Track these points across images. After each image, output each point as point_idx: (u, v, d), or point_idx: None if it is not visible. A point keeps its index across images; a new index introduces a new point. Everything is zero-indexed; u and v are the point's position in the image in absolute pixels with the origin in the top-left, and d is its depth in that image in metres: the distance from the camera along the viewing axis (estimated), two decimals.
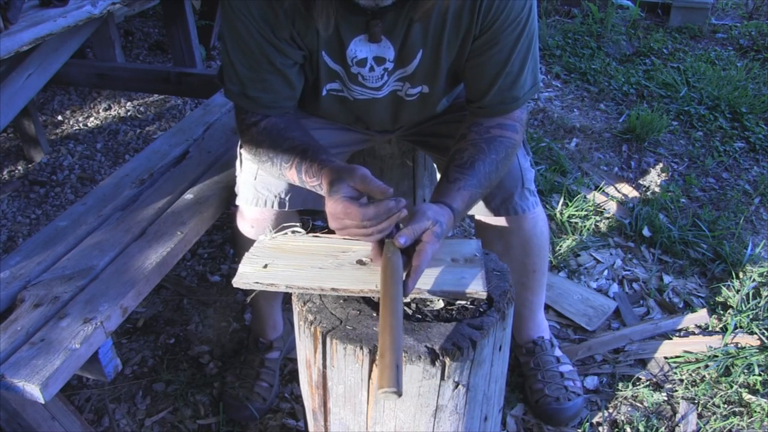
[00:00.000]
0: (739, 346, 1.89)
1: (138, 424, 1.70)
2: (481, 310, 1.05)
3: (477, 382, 1.04)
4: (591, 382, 1.80)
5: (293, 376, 1.82)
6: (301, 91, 1.36)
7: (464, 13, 1.22)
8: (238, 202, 1.50)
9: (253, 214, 1.48)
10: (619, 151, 2.93)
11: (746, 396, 1.74)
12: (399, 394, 0.81)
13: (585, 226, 2.39)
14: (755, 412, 1.70)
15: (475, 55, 1.29)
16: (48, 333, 1.20)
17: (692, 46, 4.03)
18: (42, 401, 1.11)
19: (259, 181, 1.44)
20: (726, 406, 1.73)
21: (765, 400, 1.72)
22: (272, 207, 1.44)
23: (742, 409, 1.72)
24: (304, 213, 1.56)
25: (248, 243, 1.47)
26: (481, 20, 1.22)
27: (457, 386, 1.01)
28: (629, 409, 1.72)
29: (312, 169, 1.19)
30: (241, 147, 1.47)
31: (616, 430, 1.67)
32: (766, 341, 1.90)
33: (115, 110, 3.31)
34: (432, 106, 1.45)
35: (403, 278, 1.00)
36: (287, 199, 1.44)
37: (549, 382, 1.69)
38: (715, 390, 1.77)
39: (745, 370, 1.80)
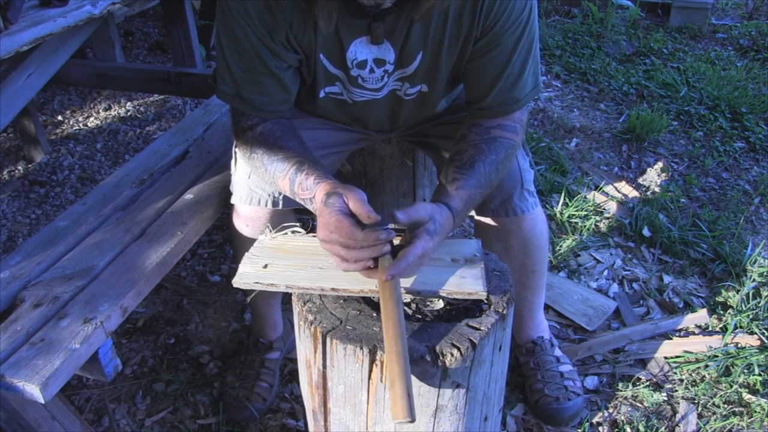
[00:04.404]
0: (739, 346, 1.89)
1: (138, 424, 1.70)
2: (481, 310, 1.05)
3: (477, 382, 1.04)
4: (591, 382, 1.80)
5: (293, 376, 1.82)
6: (296, 95, 1.36)
7: (465, 15, 1.22)
8: (233, 200, 1.51)
9: (247, 212, 1.48)
10: (619, 151, 2.93)
11: (746, 396, 1.74)
12: (413, 421, 0.82)
13: (585, 226, 2.39)
14: (755, 412, 1.70)
15: (475, 56, 1.29)
16: (48, 333, 1.20)
17: (692, 46, 4.03)
18: (42, 401, 1.11)
19: (252, 180, 1.44)
20: (726, 406, 1.73)
21: (765, 400, 1.72)
22: (266, 206, 1.45)
23: (742, 409, 1.72)
24: (303, 213, 1.56)
25: (245, 241, 1.47)
26: (482, 22, 1.22)
27: (457, 386, 1.01)
28: (629, 409, 1.72)
29: (307, 182, 1.18)
30: (236, 147, 1.48)
31: (616, 430, 1.67)
32: (766, 341, 1.90)
33: (115, 110, 3.31)
34: (431, 105, 1.45)
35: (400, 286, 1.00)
36: (281, 198, 1.44)
37: (549, 382, 1.69)
38: (715, 390, 1.77)
39: (745, 370, 1.80)
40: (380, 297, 0.99)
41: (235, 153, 1.50)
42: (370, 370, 0.99)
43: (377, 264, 1.04)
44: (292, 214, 1.50)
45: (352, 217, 1.03)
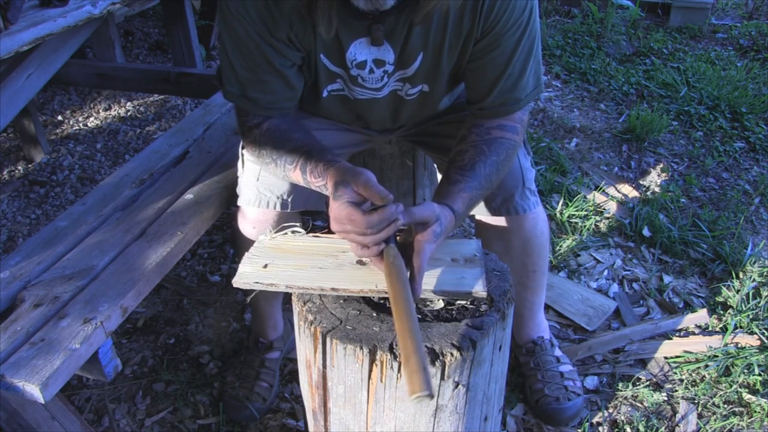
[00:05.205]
0: (739, 346, 1.89)
1: (138, 424, 1.70)
2: (481, 310, 1.05)
3: (477, 382, 1.04)
4: (591, 382, 1.80)
5: (293, 376, 1.82)
6: (301, 92, 1.36)
7: (465, 16, 1.22)
8: (239, 202, 1.50)
9: (255, 214, 1.48)
10: (619, 151, 2.93)
11: (746, 396, 1.74)
12: (431, 396, 0.81)
13: (585, 226, 2.39)
14: (755, 412, 1.70)
15: (476, 57, 1.29)
16: (48, 333, 1.20)
17: (692, 46, 4.03)
18: (42, 401, 1.11)
19: (261, 182, 1.44)
20: (726, 406, 1.73)
21: (765, 400, 1.72)
22: (274, 208, 1.44)
23: (742, 409, 1.72)
24: (304, 213, 1.56)
25: (249, 243, 1.46)
26: (482, 23, 1.22)
27: (457, 386, 1.01)
28: (629, 409, 1.72)
29: (317, 170, 1.18)
30: (243, 148, 1.47)
31: (616, 430, 1.67)
32: (766, 341, 1.90)
33: (115, 110, 3.31)
34: (433, 104, 1.45)
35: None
36: (290, 200, 1.44)
37: (549, 382, 1.69)
38: (715, 390, 1.77)
39: (745, 370, 1.80)
40: (387, 282, 0.99)
41: (242, 155, 1.50)
42: (370, 370, 0.99)
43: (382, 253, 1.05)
44: (299, 216, 1.50)
45: (363, 202, 1.04)
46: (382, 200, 1.01)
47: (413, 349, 0.85)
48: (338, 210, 1.04)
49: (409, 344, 0.86)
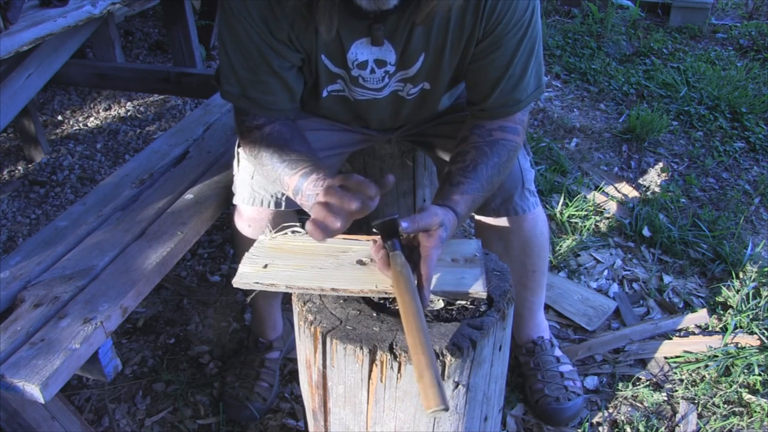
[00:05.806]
0: (739, 346, 1.89)
1: (138, 424, 1.70)
2: (481, 310, 1.05)
3: (477, 382, 1.04)
4: (591, 382, 1.80)
5: (293, 376, 1.82)
6: (300, 94, 1.36)
7: (467, 17, 1.22)
8: (235, 201, 1.50)
9: (250, 213, 1.48)
10: (619, 151, 2.93)
11: (746, 396, 1.74)
12: (447, 409, 0.82)
13: (585, 226, 2.39)
14: (755, 412, 1.70)
15: (477, 58, 1.28)
16: (48, 333, 1.20)
17: (692, 46, 4.03)
18: (42, 401, 1.11)
19: (256, 181, 1.44)
20: (726, 406, 1.73)
21: (765, 400, 1.72)
22: (269, 206, 1.45)
23: (742, 409, 1.72)
24: (303, 213, 1.56)
25: (246, 242, 1.47)
26: (484, 23, 1.22)
27: (457, 386, 1.01)
28: (629, 409, 1.72)
29: (316, 189, 1.18)
30: (239, 146, 1.47)
31: (616, 430, 1.67)
32: (766, 341, 1.90)
33: (115, 110, 3.31)
34: (433, 103, 1.45)
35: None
36: (284, 199, 1.44)
37: (549, 382, 1.69)
38: (715, 390, 1.77)
39: (745, 370, 1.80)
40: (396, 292, 0.99)
41: (238, 153, 1.50)
42: (370, 370, 0.99)
43: (389, 261, 1.04)
44: (295, 215, 1.50)
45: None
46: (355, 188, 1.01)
47: (426, 365, 0.85)
48: (321, 194, 1.04)
49: (422, 360, 0.86)
